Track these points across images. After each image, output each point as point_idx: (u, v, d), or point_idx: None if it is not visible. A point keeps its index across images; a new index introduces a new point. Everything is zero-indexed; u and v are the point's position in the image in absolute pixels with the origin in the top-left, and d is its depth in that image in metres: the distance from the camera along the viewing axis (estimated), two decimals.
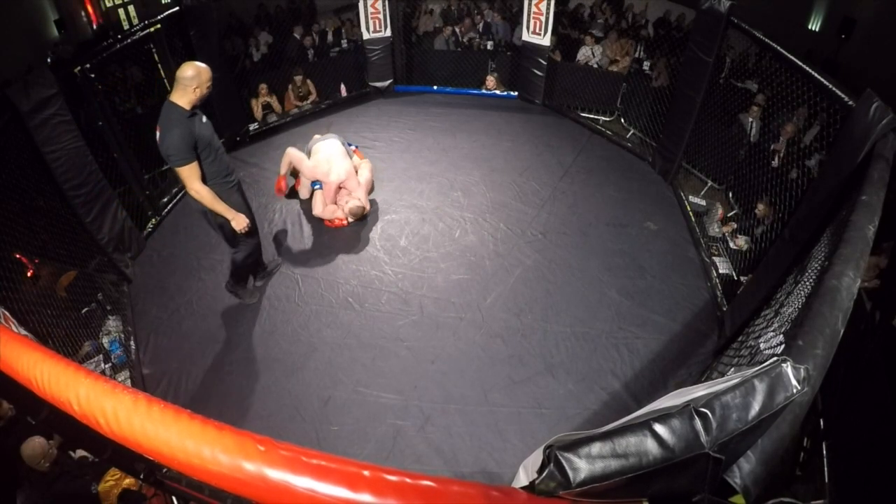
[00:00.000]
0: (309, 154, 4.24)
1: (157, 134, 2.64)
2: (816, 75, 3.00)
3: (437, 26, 7.33)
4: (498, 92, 6.53)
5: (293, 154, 4.25)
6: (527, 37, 5.85)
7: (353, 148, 4.67)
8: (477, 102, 6.40)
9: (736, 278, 3.80)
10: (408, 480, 0.87)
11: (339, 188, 4.17)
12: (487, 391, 3.05)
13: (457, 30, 7.22)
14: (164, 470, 1.45)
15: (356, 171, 4.27)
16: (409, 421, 2.90)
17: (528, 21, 5.72)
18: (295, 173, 4.54)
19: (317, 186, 4.26)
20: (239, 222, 2.95)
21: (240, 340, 3.38)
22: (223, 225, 3.01)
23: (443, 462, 2.71)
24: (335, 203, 4.25)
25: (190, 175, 2.70)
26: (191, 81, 2.58)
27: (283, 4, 7.84)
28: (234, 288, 3.57)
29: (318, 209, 4.23)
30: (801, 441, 2.52)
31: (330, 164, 4.09)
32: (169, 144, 2.59)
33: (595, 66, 6.41)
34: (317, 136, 4.47)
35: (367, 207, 4.27)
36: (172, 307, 3.65)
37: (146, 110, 5.10)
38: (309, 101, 6.25)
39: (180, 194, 4.61)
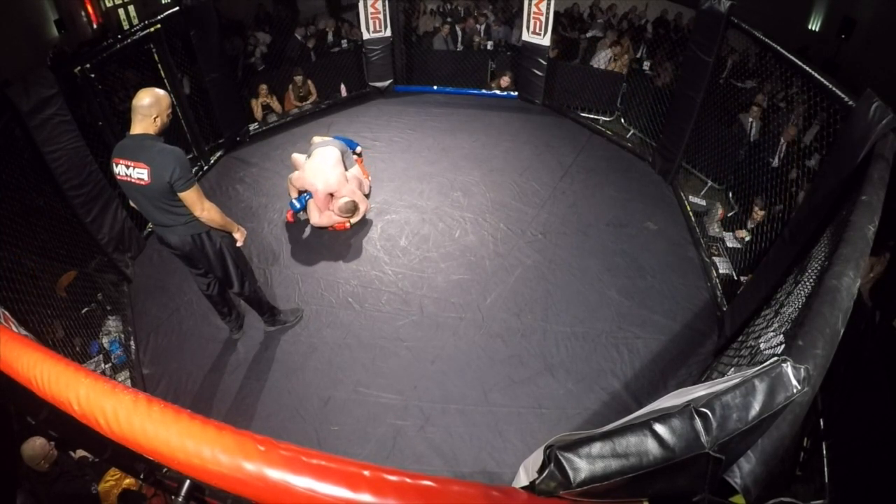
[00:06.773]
0: (309, 157, 4.21)
1: (145, 172, 2.30)
2: (816, 75, 3.00)
3: (437, 26, 7.33)
4: (498, 92, 6.52)
5: (294, 158, 4.28)
6: (527, 37, 5.85)
7: (356, 158, 4.60)
8: (477, 102, 6.39)
9: (736, 278, 3.80)
10: (408, 480, 0.87)
11: (331, 196, 4.08)
12: (487, 391, 3.05)
13: (456, 27, 7.21)
14: (164, 470, 1.45)
15: (348, 179, 4.13)
16: (409, 421, 2.90)
17: (528, 21, 5.72)
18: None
19: (308, 197, 4.18)
20: (242, 232, 2.78)
21: (240, 340, 3.38)
22: (222, 252, 2.77)
23: (443, 462, 2.71)
24: (329, 209, 4.17)
25: (200, 195, 2.45)
26: (149, 110, 2.29)
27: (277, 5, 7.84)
28: (274, 321, 3.36)
29: (314, 218, 4.17)
30: (801, 441, 2.52)
31: (317, 173, 3.99)
32: (174, 168, 2.30)
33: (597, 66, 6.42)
34: (316, 139, 4.44)
35: (361, 203, 4.19)
36: (172, 307, 3.65)
37: None
38: (309, 102, 6.25)
39: None
